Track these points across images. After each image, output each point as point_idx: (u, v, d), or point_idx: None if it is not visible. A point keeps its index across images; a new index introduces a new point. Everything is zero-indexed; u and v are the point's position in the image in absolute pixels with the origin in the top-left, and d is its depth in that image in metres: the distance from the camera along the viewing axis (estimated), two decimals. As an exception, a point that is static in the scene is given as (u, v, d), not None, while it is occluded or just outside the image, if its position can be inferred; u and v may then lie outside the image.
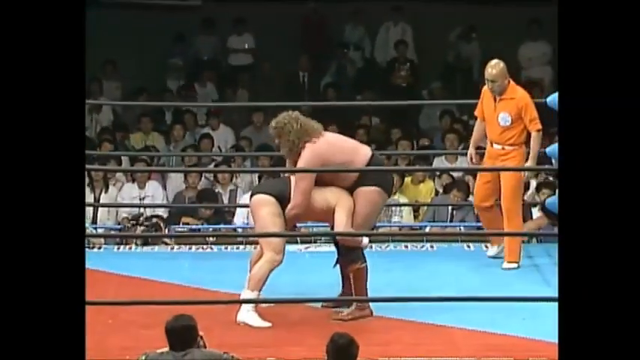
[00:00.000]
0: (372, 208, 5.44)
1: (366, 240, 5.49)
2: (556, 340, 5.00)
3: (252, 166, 8.94)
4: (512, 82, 6.30)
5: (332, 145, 5.46)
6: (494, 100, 6.25)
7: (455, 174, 8.34)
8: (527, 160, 6.21)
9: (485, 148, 6.41)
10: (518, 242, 6.35)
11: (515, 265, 6.30)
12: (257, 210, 5.47)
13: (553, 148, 6.87)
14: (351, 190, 5.46)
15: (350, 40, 11.21)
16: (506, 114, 6.20)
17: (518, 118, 6.21)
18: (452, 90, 10.50)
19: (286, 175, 5.65)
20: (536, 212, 7.85)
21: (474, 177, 8.32)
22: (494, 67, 6.21)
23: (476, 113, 6.44)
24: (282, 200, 5.44)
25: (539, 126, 6.26)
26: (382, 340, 5.20)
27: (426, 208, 7.85)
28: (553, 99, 6.77)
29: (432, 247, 6.97)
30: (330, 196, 5.44)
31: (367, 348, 5.04)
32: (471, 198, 8.23)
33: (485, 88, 6.34)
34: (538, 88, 10.36)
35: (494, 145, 6.24)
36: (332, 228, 5.52)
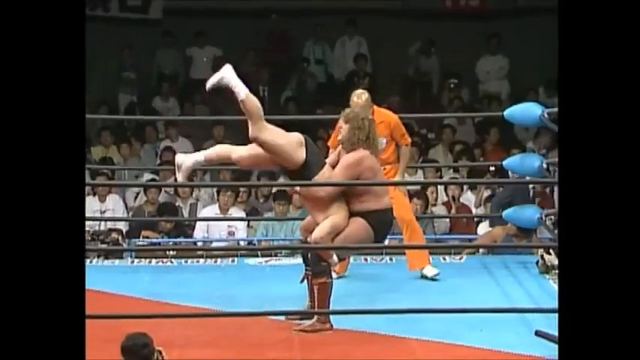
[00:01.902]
0: (358, 237, 5.43)
1: (335, 259, 5.51)
2: (513, 351, 5.14)
3: (213, 180, 8.95)
4: (375, 106, 6.31)
5: (376, 172, 5.48)
6: None
7: (412, 186, 8.41)
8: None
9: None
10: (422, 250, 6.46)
11: (433, 268, 6.36)
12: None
13: (510, 162, 6.97)
14: (357, 213, 5.44)
15: (310, 55, 11.28)
16: (381, 137, 6.23)
17: (391, 139, 6.33)
18: (411, 104, 10.59)
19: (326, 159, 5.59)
20: (484, 226, 7.98)
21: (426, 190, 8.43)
22: (360, 96, 6.21)
23: (330, 144, 6.34)
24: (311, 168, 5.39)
25: (409, 140, 6.45)
26: (342, 352, 5.22)
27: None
28: (510, 113, 6.86)
29: (391, 259, 7.02)
30: (334, 207, 5.41)
31: (328, 361, 5.12)
32: (431, 209, 8.32)
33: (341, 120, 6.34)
34: (495, 101, 10.49)
35: None
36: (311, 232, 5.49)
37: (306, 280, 5.56)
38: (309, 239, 5.47)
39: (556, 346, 4.93)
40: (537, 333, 5.03)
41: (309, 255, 5.51)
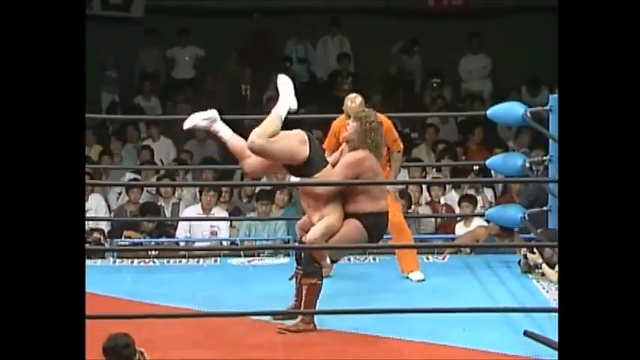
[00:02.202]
0: (352, 238, 5.40)
1: (328, 261, 5.48)
2: (496, 350, 5.14)
3: (195, 180, 8.91)
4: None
5: (377, 174, 5.45)
6: None
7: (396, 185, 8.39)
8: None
9: None
10: (413, 252, 6.45)
11: (420, 273, 6.37)
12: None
13: (493, 161, 6.98)
14: (352, 214, 5.40)
15: (292, 54, 11.25)
16: None
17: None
18: (394, 103, 10.58)
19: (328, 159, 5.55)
20: (461, 226, 7.99)
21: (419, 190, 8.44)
22: (354, 100, 6.17)
23: (325, 147, 6.27)
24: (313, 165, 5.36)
25: (401, 146, 6.40)
26: (326, 353, 5.20)
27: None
28: (493, 112, 6.87)
29: (374, 259, 7.01)
30: (330, 207, 5.37)
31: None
32: (417, 209, 8.31)
33: (336, 122, 6.29)
34: (478, 100, 10.50)
35: None
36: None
37: (295, 279, 5.54)
38: (304, 239, 5.45)
39: (541, 346, 4.97)
40: (526, 333, 5.02)
41: (302, 254, 5.49)
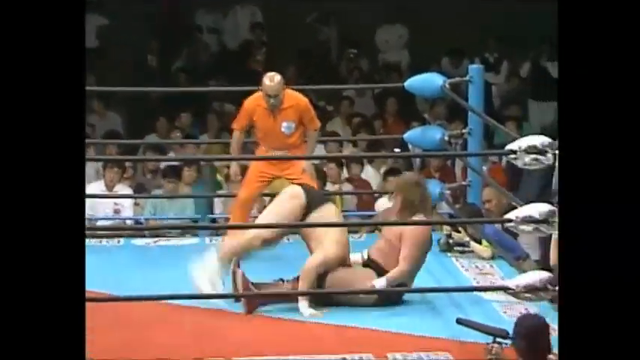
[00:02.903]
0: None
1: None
2: (412, 332, 4.94)
3: (98, 154, 8.54)
4: (286, 89, 6.14)
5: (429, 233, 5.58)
6: (272, 111, 6.10)
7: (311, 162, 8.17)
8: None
9: None
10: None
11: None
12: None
13: (410, 134, 6.84)
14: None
15: (203, 24, 10.98)
16: (290, 122, 6.13)
17: (300, 123, 6.17)
18: (309, 74, 10.36)
19: None
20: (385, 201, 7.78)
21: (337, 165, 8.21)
22: (272, 79, 6.06)
23: (235, 126, 6.25)
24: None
25: (318, 124, 6.33)
26: (237, 335, 5.01)
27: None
28: (411, 83, 6.71)
29: (288, 239, 6.74)
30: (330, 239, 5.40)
31: (224, 347, 4.86)
32: (340, 187, 8.08)
33: (250, 101, 6.18)
34: (395, 72, 10.35)
35: (277, 152, 6.21)
36: None
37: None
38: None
39: (461, 328, 4.77)
40: (458, 321, 4.82)
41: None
